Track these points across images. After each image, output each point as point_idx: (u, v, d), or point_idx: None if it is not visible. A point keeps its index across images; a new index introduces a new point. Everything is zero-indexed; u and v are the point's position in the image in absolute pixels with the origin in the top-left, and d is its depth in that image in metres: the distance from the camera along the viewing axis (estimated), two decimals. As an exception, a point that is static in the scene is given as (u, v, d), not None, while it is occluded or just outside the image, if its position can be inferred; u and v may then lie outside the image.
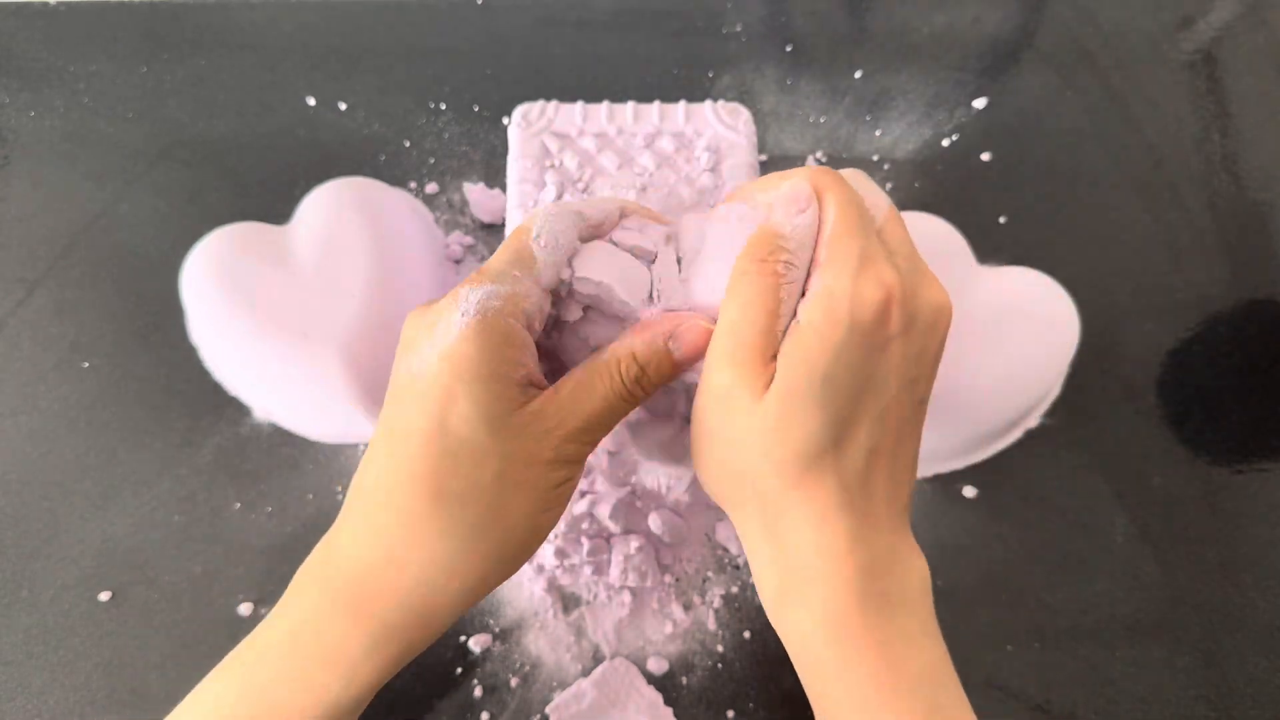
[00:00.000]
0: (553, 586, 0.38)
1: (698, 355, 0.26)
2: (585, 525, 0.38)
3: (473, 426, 0.23)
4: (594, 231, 0.27)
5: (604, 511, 0.38)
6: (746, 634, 0.38)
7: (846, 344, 0.23)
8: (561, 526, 0.38)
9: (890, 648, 0.24)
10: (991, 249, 0.42)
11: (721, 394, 0.24)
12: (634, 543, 0.37)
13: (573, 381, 0.25)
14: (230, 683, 0.24)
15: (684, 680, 0.37)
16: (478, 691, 0.37)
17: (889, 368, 0.24)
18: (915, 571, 0.26)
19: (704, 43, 0.51)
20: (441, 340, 0.24)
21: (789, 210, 0.25)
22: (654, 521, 0.38)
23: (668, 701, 0.37)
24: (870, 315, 0.23)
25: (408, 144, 0.49)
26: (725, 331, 0.24)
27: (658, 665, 0.37)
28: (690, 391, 0.28)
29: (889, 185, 0.47)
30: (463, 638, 0.38)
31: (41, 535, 0.40)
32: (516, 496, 0.24)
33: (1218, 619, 0.38)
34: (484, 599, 0.38)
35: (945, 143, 0.48)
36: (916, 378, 0.25)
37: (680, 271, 0.27)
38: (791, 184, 0.25)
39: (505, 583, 0.39)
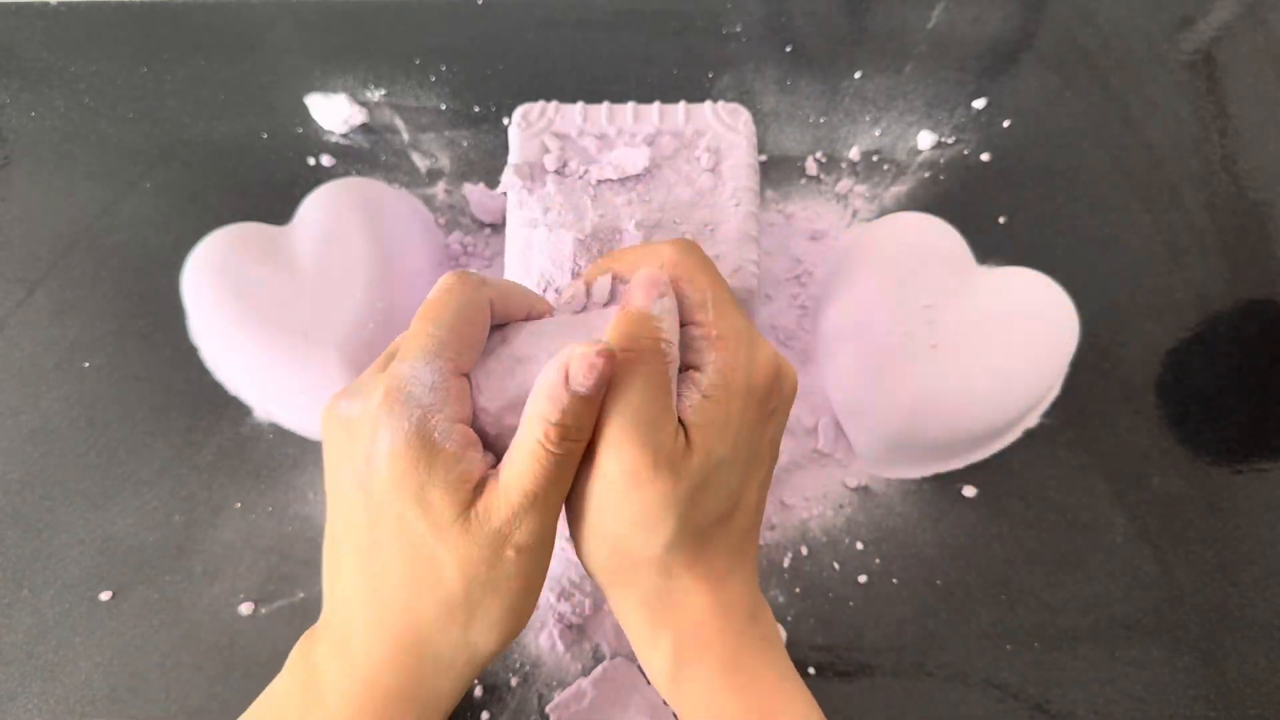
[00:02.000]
0: (554, 586, 0.38)
1: (603, 380, 0.24)
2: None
3: (423, 537, 0.23)
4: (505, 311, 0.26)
5: None
6: (746, 634, 0.38)
7: (744, 418, 0.25)
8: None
9: (782, 688, 0.26)
10: (991, 249, 0.42)
11: (626, 475, 0.24)
12: None
13: (508, 465, 0.24)
14: None
15: (684, 680, 0.37)
16: (478, 691, 0.37)
17: (768, 438, 0.27)
18: (772, 619, 0.28)
19: (704, 43, 0.51)
20: (375, 460, 0.23)
21: (649, 294, 0.25)
22: None
23: (668, 701, 0.37)
24: (763, 389, 0.25)
25: (408, 144, 0.49)
26: (628, 414, 0.24)
27: (658, 665, 0.37)
28: None
29: (890, 186, 0.47)
30: (463, 637, 0.38)
31: (42, 535, 0.40)
32: (489, 597, 0.24)
33: (1217, 619, 0.38)
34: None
35: (945, 143, 0.48)
36: (778, 445, 0.28)
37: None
38: (648, 272, 0.26)
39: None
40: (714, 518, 0.25)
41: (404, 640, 0.24)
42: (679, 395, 0.25)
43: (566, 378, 0.23)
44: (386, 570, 0.24)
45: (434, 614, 0.24)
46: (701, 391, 0.25)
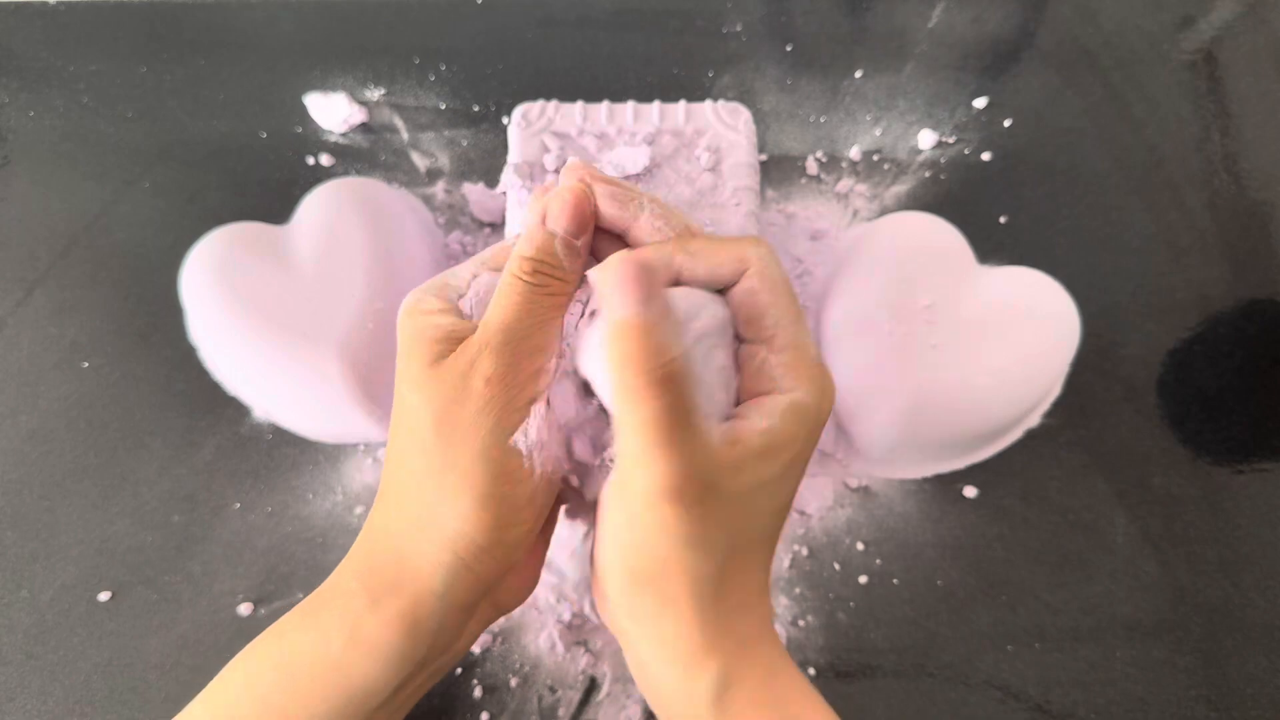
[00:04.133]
0: (553, 588, 0.38)
1: (576, 223, 0.25)
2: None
3: (402, 394, 0.25)
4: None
5: None
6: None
7: (806, 448, 0.24)
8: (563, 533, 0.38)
9: (804, 691, 0.25)
10: (991, 249, 0.42)
11: (666, 492, 0.22)
12: None
13: (487, 308, 0.25)
14: (262, 658, 0.25)
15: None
16: (478, 692, 0.37)
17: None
18: None
19: (704, 42, 0.51)
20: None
21: (632, 294, 0.22)
22: None
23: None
24: (824, 422, 0.25)
25: (407, 143, 0.49)
26: (654, 435, 0.22)
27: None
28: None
29: (891, 186, 0.47)
30: (463, 638, 0.38)
31: (41, 535, 0.40)
32: (458, 434, 0.24)
33: (1218, 619, 0.38)
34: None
35: (946, 142, 0.48)
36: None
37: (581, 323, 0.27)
38: (622, 261, 0.23)
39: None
40: (763, 533, 0.24)
41: (389, 502, 0.25)
42: (742, 416, 0.24)
43: (544, 219, 0.25)
44: (391, 448, 0.26)
45: (414, 466, 0.24)
46: (767, 419, 0.23)
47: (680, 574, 0.23)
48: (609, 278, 0.22)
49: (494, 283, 0.26)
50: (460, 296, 0.26)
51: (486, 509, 0.24)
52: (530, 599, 0.38)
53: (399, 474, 0.25)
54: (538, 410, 0.25)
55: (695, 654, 0.24)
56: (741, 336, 0.25)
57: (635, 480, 0.22)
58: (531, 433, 0.24)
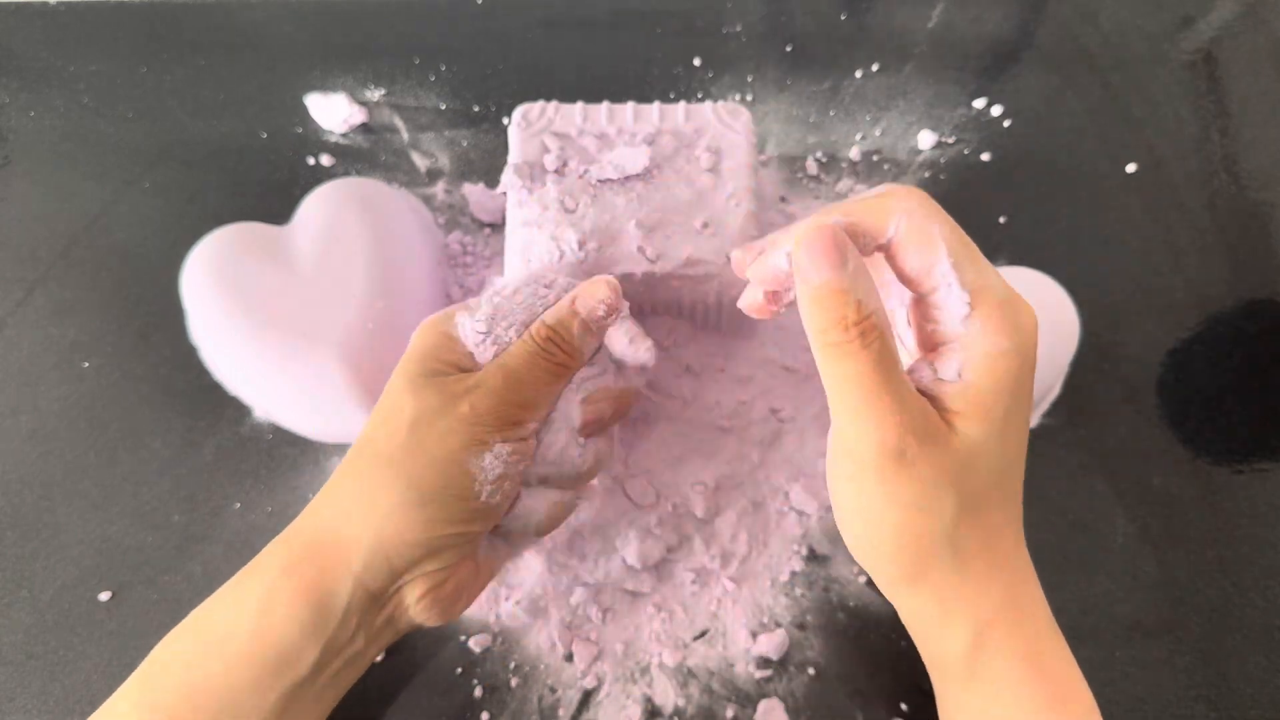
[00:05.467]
0: (552, 590, 0.38)
1: (601, 312, 0.29)
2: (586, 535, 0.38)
3: (394, 389, 0.28)
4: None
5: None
6: (746, 632, 0.38)
7: (1018, 395, 0.23)
8: (563, 534, 0.38)
9: (1071, 675, 0.26)
10: (991, 249, 0.42)
11: (887, 456, 0.22)
12: (632, 556, 0.38)
13: (500, 354, 0.29)
14: (186, 631, 0.28)
15: (685, 681, 0.37)
16: (478, 692, 0.37)
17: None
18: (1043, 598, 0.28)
19: (704, 43, 0.51)
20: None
21: (831, 259, 0.22)
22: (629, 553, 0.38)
23: (671, 703, 0.37)
24: (1032, 359, 0.24)
25: (408, 144, 0.49)
26: (857, 410, 0.22)
27: (659, 666, 0.37)
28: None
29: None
30: (463, 637, 0.38)
31: (41, 535, 0.40)
32: (430, 437, 0.26)
33: (1218, 619, 0.38)
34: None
35: (945, 142, 0.48)
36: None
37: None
38: (818, 228, 0.22)
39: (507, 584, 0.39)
40: (998, 487, 0.24)
41: (335, 486, 0.28)
42: (930, 372, 0.23)
43: (574, 299, 0.30)
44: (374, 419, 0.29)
45: (376, 450, 0.27)
46: (961, 371, 0.23)
47: (913, 540, 0.23)
48: (803, 249, 0.22)
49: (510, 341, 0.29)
50: (480, 339, 0.29)
51: (423, 508, 0.26)
52: (530, 599, 0.38)
53: (358, 459, 0.28)
54: (502, 452, 0.27)
55: (941, 617, 0.24)
56: (918, 291, 0.24)
57: (855, 444, 0.23)
58: (488, 468, 0.27)
